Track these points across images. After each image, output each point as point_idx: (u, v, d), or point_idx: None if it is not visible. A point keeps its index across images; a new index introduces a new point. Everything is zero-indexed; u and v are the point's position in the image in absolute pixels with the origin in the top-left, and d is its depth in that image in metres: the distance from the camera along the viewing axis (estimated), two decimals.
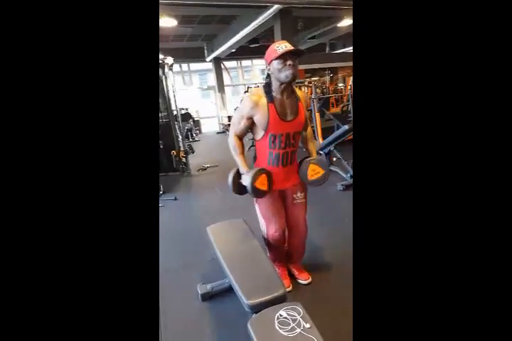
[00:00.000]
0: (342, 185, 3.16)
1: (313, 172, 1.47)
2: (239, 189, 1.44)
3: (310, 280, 1.67)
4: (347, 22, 6.06)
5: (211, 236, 1.60)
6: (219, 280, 1.65)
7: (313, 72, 6.89)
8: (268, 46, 1.32)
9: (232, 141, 1.44)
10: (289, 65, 1.25)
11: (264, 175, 1.36)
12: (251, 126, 1.40)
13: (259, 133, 1.38)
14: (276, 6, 4.04)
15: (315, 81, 7.56)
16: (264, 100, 1.32)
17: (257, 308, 1.09)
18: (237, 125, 1.41)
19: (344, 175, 3.34)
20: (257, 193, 1.37)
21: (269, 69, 1.32)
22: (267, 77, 1.36)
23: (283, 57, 1.24)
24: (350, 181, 3.25)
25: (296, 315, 1.03)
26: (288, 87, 1.34)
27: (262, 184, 1.35)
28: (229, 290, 1.63)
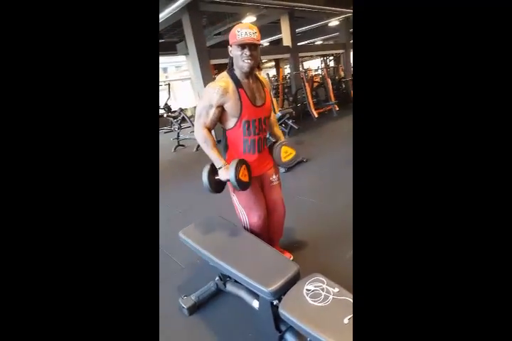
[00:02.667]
0: (283, 167, 3.32)
1: (286, 154, 1.52)
2: (216, 187, 1.37)
3: (292, 257, 1.72)
4: (250, 19, 6.22)
5: (189, 240, 1.47)
6: (202, 288, 1.55)
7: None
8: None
9: (201, 133, 1.31)
10: (245, 54, 1.20)
11: (244, 166, 1.30)
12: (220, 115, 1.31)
13: (231, 121, 1.32)
14: None
15: None
16: (232, 86, 1.26)
17: (279, 293, 1.05)
18: (206, 116, 1.29)
19: None
20: (243, 186, 1.30)
21: (230, 52, 1.26)
22: (230, 61, 1.29)
23: (241, 44, 1.19)
24: None
25: (321, 284, 1.04)
26: (251, 72, 1.30)
27: (244, 175, 1.30)
28: (216, 294, 1.55)
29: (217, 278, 1.55)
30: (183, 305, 1.46)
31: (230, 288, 1.50)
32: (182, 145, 5.65)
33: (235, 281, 1.52)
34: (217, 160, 1.32)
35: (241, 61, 1.22)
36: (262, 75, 1.44)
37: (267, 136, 1.55)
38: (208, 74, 5.37)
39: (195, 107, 9.44)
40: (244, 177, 1.30)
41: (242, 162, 1.30)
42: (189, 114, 7.74)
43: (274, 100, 5.37)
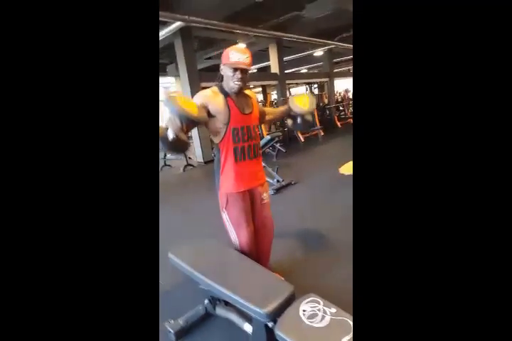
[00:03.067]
0: (272, 189, 3.33)
1: (302, 102, 1.55)
2: (172, 143, 1.13)
3: (282, 278, 1.67)
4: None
5: (179, 261, 1.43)
6: (189, 311, 1.49)
7: None
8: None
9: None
10: (236, 76, 1.29)
11: (184, 97, 1.16)
12: (206, 119, 1.30)
13: (221, 130, 1.35)
14: (177, 23, 4.04)
15: None
16: (220, 95, 1.34)
17: (274, 314, 1.02)
18: None
19: (271, 181, 3.53)
20: (188, 116, 1.10)
21: (221, 70, 1.33)
22: (220, 77, 1.36)
23: (234, 67, 1.27)
24: (278, 185, 3.53)
25: (317, 304, 1.02)
26: (240, 91, 1.37)
27: (189, 105, 1.12)
28: (205, 318, 1.49)
29: (206, 301, 1.49)
30: (169, 330, 1.39)
31: (219, 311, 1.45)
32: (169, 166, 5.62)
33: (226, 304, 1.47)
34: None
35: (232, 82, 1.30)
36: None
37: (265, 140, 1.60)
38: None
39: None
40: (189, 106, 1.12)
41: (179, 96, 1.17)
42: None
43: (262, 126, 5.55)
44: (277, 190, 3.41)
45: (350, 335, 0.89)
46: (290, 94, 7.49)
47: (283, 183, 3.59)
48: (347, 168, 3.98)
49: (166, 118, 1.14)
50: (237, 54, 1.26)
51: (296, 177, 3.86)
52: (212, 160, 5.49)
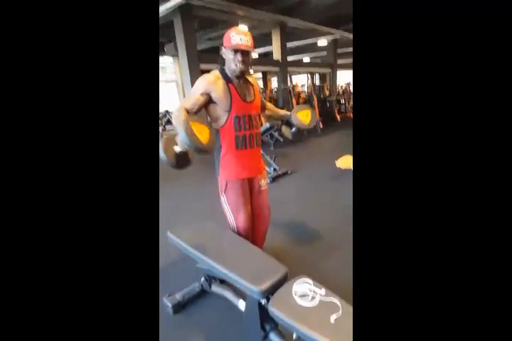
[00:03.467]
0: (269, 177, 3.39)
1: (304, 116, 1.56)
2: (178, 159, 1.15)
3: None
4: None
5: (178, 239, 1.49)
6: (186, 288, 1.57)
7: None
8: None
9: (177, 110, 1.23)
10: (238, 59, 1.28)
11: (196, 124, 1.12)
12: (208, 108, 1.34)
13: (222, 119, 1.36)
14: (176, 0, 3.92)
15: None
16: (222, 81, 1.33)
17: (267, 292, 1.09)
18: (188, 99, 1.30)
19: (268, 169, 3.59)
20: (199, 145, 1.08)
21: (223, 53, 1.33)
22: (221, 60, 1.36)
23: (235, 49, 1.26)
24: (275, 174, 3.59)
25: (308, 285, 1.09)
26: (242, 75, 1.38)
27: (200, 133, 1.10)
28: (200, 294, 1.58)
29: (202, 278, 1.57)
30: (167, 304, 1.47)
31: (215, 288, 1.53)
32: None
33: (221, 282, 1.55)
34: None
35: (233, 65, 1.29)
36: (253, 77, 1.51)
37: (263, 128, 1.60)
38: (197, 78, 5.40)
39: None
40: (202, 136, 1.10)
41: (190, 119, 1.15)
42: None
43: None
44: (274, 179, 3.47)
45: (338, 314, 0.96)
46: (291, 81, 7.42)
47: (279, 172, 3.65)
48: (343, 162, 4.06)
49: (177, 137, 1.11)
50: (238, 35, 1.25)
51: (293, 167, 3.92)
52: None
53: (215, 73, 1.36)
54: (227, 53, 1.30)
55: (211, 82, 1.31)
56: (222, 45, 1.33)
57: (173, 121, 1.18)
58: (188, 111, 1.23)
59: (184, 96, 9.87)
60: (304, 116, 1.55)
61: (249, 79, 1.46)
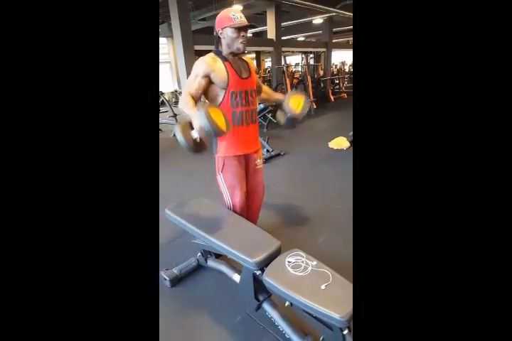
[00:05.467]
0: (262, 158, 3.42)
1: (296, 103, 1.54)
2: (195, 145, 1.21)
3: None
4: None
5: (176, 216, 1.52)
6: (183, 263, 1.63)
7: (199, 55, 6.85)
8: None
9: (184, 97, 1.30)
10: (243, 36, 1.31)
11: (215, 110, 1.18)
12: (207, 88, 1.37)
13: (220, 95, 1.38)
14: None
15: None
16: (219, 60, 1.35)
17: (262, 264, 1.15)
18: (191, 84, 1.35)
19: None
20: (218, 130, 1.15)
21: (221, 34, 1.33)
22: (217, 42, 1.37)
23: (238, 27, 1.28)
24: (268, 155, 3.64)
25: (301, 257, 1.15)
26: (236, 56, 1.40)
27: (219, 120, 1.17)
28: (196, 269, 1.65)
29: (199, 254, 1.63)
30: (165, 277, 1.53)
31: (211, 263, 1.59)
32: (159, 130, 5.56)
33: (216, 257, 1.61)
34: (195, 115, 1.22)
35: (239, 43, 1.32)
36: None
37: (257, 108, 1.61)
38: (191, 59, 5.30)
39: (173, 92, 9.25)
40: (220, 121, 1.17)
41: (216, 108, 1.22)
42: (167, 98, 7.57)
43: None
44: (267, 160, 3.51)
45: (329, 282, 1.03)
46: (286, 62, 7.30)
47: (273, 153, 3.68)
48: (336, 143, 4.10)
49: (195, 123, 1.17)
50: (237, 14, 1.29)
51: (286, 149, 3.94)
52: None
53: (211, 55, 1.37)
54: (229, 33, 1.30)
55: (209, 64, 1.32)
56: (216, 27, 1.33)
57: (183, 108, 1.27)
58: (193, 97, 1.30)
59: (177, 77, 9.74)
60: (295, 104, 1.54)
61: (245, 58, 1.48)
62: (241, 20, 1.28)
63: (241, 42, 1.32)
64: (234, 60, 1.39)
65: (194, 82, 1.34)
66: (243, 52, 1.35)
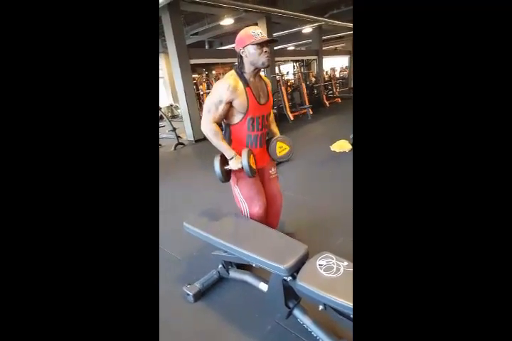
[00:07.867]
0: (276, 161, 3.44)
1: (281, 149, 1.62)
2: (225, 176, 1.46)
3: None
4: (228, 21, 6.32)
5: (196, 228, 1.51)
6: (204, 276, 1.60)
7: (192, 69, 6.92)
8: None
9: (211, 127, 1.39)
10: (266, 51, 1.32)
11: (252, 155, 1.42)
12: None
13: (237, 117, 1.40)
14: None
15: (197, 78, 7.72)
16: (241, 84, 1.35)
17: (292, 270, 1.14)
18: (215, 111, 1.37)
19: None
20: (253, 172, 1.42)
21: (243, 53, 1.34)
22: (239, 61, 1.38)
23: (260, 43, 1.29)
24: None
25: (331, 259, 1.14)
26: (258, 72, 1.41)
27: (253, 163, 1.42)
28: (217, 282, 1.61)
29: (220, 265, 1.60)
30: (188, 293, 1.50)
31: (233, 274, 1.56)
32: (159, 145, 5.57)
33: (238, 267, 1.59)
34: (228, 151, 1.42)
35: (263, 58, 1.32)
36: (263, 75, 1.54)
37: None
38: (188, 73, 5.36)
39: (168, 106, 9.31)
40: (253, 165, 1.42)
41: (250, 151, 1.42)
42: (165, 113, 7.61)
43: None
44: (278, 163, 3.50)
45: None
46: (280, 71, 7.39)
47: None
48: (338, 146, 4.12)
49: (232, 162, 1.43)
50: (257, 31, 1.30)
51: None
52: (202, 140, 5.48)
53: (233, 75, 1.37)
54: (251, 50, 1.31)
55: (233, 90, 1.32)
56: (238, 46, 1.35)
57: (213, 139, 1.40)
58: (216, 123, 1.39)
59: (172, 93, 9.79)
60: (279, 148, 1.61)
61: (263, 78, 1.49)
62: (262, 36, 1.29)
63: (266, 57, 1.32)
64: (254, 82, 1.39)
65: (219, 109, 1.35)
66: (268, 66, 1.37)
